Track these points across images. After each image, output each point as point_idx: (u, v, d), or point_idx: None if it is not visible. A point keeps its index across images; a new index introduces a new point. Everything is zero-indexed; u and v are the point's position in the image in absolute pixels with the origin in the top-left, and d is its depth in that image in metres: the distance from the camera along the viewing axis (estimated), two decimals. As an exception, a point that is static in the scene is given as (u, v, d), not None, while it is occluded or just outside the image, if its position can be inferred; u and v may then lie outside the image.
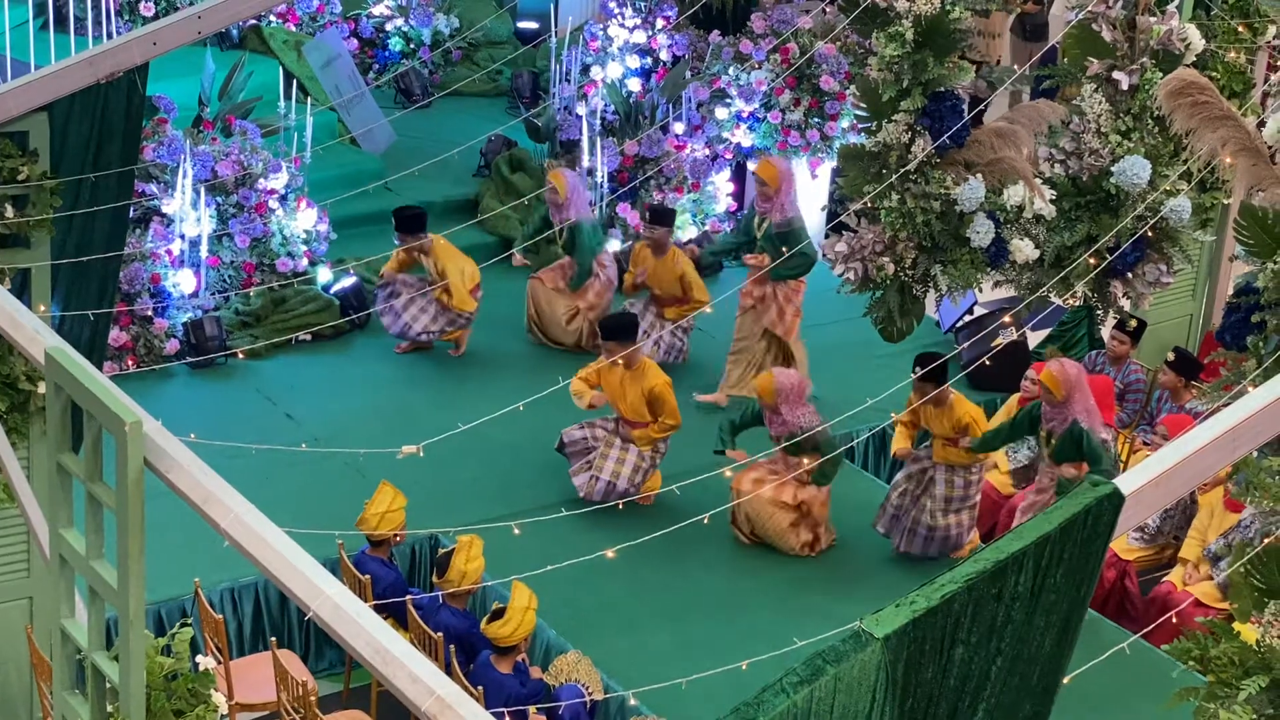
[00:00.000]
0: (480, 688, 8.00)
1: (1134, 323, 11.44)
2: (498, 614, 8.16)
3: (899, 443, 10.25)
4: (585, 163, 13.15)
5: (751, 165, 11.72)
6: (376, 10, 15.59)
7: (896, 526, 10.07)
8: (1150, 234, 8.84)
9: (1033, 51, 16.17)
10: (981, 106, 9.41)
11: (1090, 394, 9.55)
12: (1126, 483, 4.92)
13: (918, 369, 9.61)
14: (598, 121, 13.45)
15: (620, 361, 9.98)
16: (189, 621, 5.91)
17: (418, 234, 11.47)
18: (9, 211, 7.73)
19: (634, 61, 14.25)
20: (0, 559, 8.13)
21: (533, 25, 16.21)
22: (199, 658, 5.72)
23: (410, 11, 15.52)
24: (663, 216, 11.81)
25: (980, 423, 9.93)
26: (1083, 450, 9.40)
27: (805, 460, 9.78)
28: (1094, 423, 9.45)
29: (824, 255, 9.13)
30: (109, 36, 12.44)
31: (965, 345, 11.89)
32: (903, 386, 9.46)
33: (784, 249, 11.12)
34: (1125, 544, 10.42)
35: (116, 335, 11.03)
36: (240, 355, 11.35)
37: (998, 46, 16.37)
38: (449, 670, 8.15)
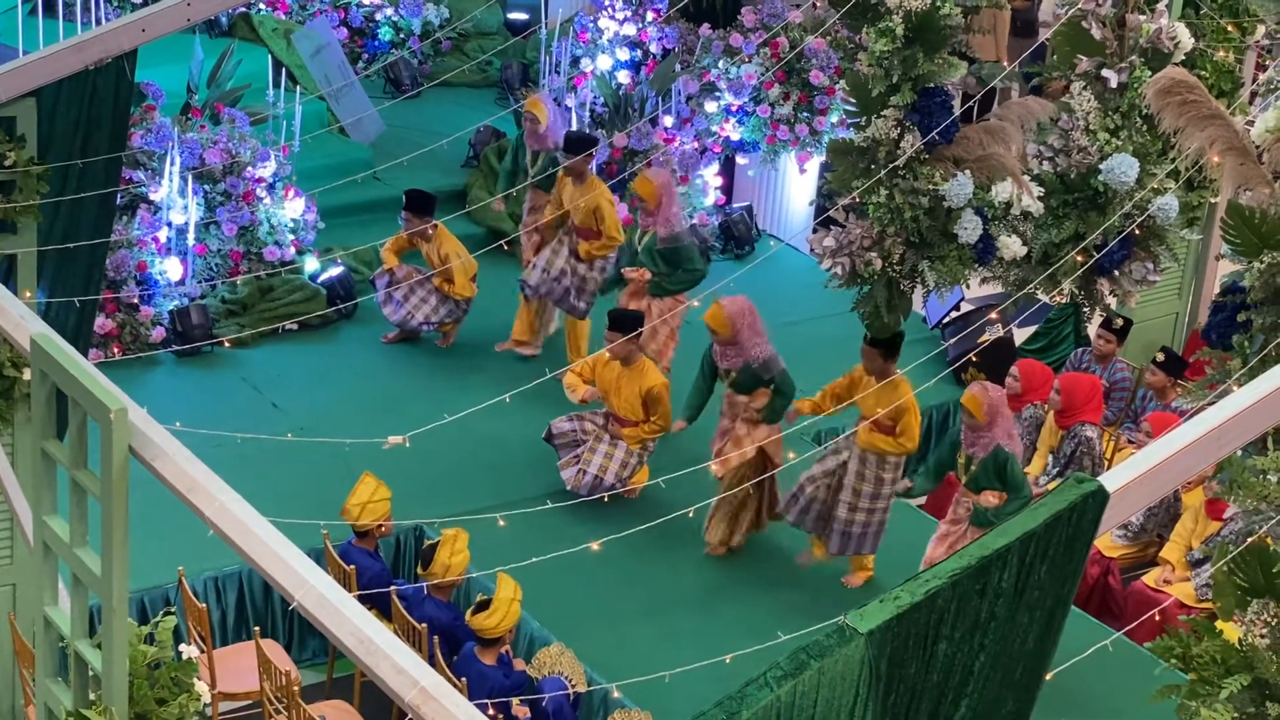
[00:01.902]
0: (464, 679, 8.01)
1: (1120, 321, 11.46)
2: (483, 605, 8.16)
3: (801, 404, 9.75)
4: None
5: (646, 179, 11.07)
6: (366, 0, 15.56)
7: (805, 519, 9.73)
8: (1137, 232, 8.86)
9: (1023, 48, 16.18)
10: (971, 104, 9.41)
11: (1012, 419, 9.22)
12: (1111, 480, 4.93)
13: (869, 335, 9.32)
14: (587, 113, 13.44)
15: (619, 354, 9.93)
16: (172, 610, 5.90)
17: (425, 217, 11.46)
18: (-5, 197, 7.72)
19: (624, 54, 14.24)
20: (-16, 545, 8.12)
21: (523, 16, 16.19)
22: (182, 646, 5.71)
23: (400, 1, 15.50)
24: (581, 144, 11.40)
25: (914, 414, 9.44)
26: (1005, 477, 9.00)
27: (756, 399, 9.66)
28: (1015, 449, 9.09)
29: (812, 250, 9.13)
30: (98, 23, 12.42)
31: (952, 341, 11.93)
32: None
33: (666, 265, 10.82)
34: (1109, 541, 10.45)
35: (102, 322, 11.01)
36: (226, 344, 11.34)
37: (989, 44, 16.36)
38: (433, 661, 8.15)
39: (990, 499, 8.98)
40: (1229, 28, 11.04)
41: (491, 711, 7.87)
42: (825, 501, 9.63)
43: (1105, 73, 8.72)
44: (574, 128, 13.13)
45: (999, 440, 8.97)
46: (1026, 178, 8.83)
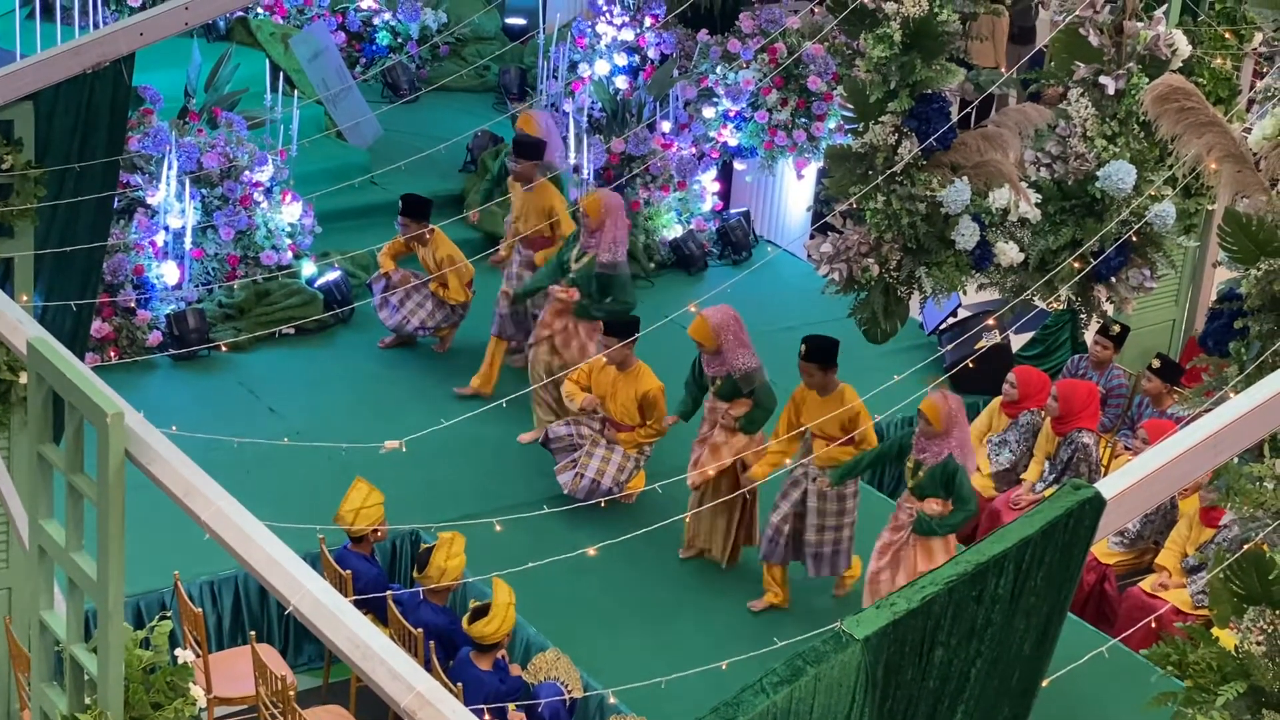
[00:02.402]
0: (460, 684, 8.00)
1: (1117, 328, 11.46)
2: (479, 612, 8.14)
3: (776, 459, 9.43)
4: (571, 159, 13.14)
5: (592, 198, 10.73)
6: (364, 4, 15.56)
7: (775, 551, 9.54)
8: (1134, 239, 8.86)
9: (1021, 55, 16.20)
10: (969, 110, 9.41)
11: (969, 432, 9.04)
12: (1108, 487, 4.93)
13: (804, 347, 9.22)
14: (585, 119, 13.44)
15: (614, 359, 9.93)
16: (168, 614, 5.89)
17: (422, 221, 11.44)
18: (-7, 201, 7.72)
19: (622, 59, 14.24)
20: (-21, 549, 8.11)
21: (521, 21, 16.19)
22: (178, 651, 5.70)
23: (398, 6, 15.50)
24: (528, 149, 11.21)
25: (867, 419, 9.24)
26: (952, 488, 8.84)
27: (736, 407, 9.62)
28: (967, 461, 8.93)
29: (809, 256, 9.13)
30: (95, 26, 12.41)
31: (949, 347, 11.93)
32: (886, 388, 9.43)
33: (600, 291, 10.55)
34: (1106, 548, 10.45)
35: (99, 326, 11.00)
36: (223, 348, 11.33)
37: (987, 50, 16.37)
38: (429, 666, 8.14)
39: (934, 506, 8.84)
40: (1226, 35, 11.06)
41: (488, 717, 7.86)
42: (792, 530, 9.53)
43: (1103, 79, 8.72)
44: (571, 134, 13.14)
45: (952, 450, 8.84)
46: (1024, 184, 8.83)
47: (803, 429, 9.30)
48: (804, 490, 9.44)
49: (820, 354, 9.20)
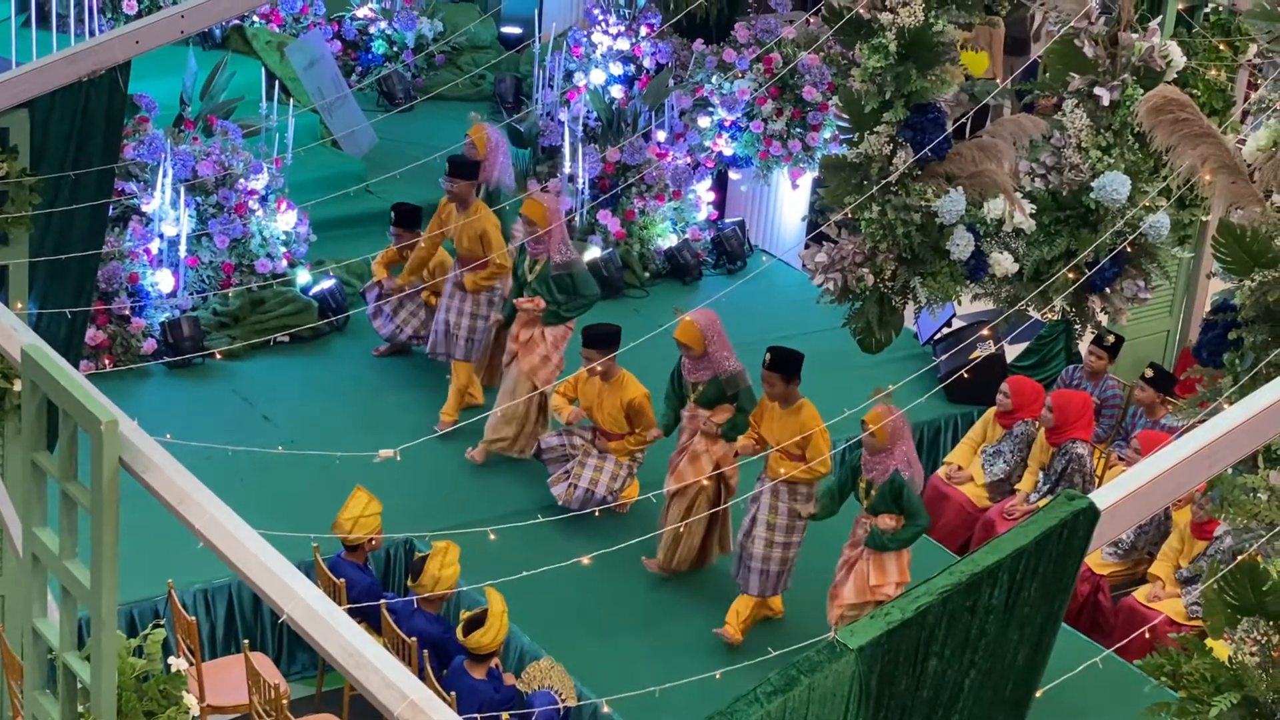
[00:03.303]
0: (454, 693, 7.99)
1: (1111, 338, 11.47)
2: (474, 622, 8.13)
3: (745, 444, 9.35)
4: (567, 169, 13.15)
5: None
6: (360, 13, 15.57)
7: (739, 565, 9.48)
8: (1129, 250, 8.87)
9: (1017, 66, 16.23)
10: (963, 120, 9.41)
11: (913, 445, 9.00)
12: (1102, 497, 4.94)
13: (768, 356, 9.16)
14: (580, 128, 13.45)
15: (598, 370, 9.93)
16: (162, 623, 5.89)
17: (414, 229, 11.44)
18: (-12, 208, 7.72)
19: (617, 68, 14.25)
20: (-27, 557, 8.10)
21: (516, 30, 16.20)
22: (171, 659, 5.70)
23: (394, 15, 15.51)
24: (463, 169, 10.98)
25: (823, 438, 9.14)
26: (900, 503, 8.82)
27: (718, 414, 9.56)
28: (914, 475, 8.88)
29: (804, 265, 9.14)
30: (91, 34, 12.41)
31: (943, 357, 11.94)
32: (881, 397, 9.45)
33: (561, 292, 10.45)
34: (1099, 559, 10.45)
35: (93, 334, 10.99)
36: (218, 356, 11.32)
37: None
38: (422, 675, 8.13)
39: (888, 521, 8.80)
40: (1221, 47, 11.08)
41: (481, 726, 7.86)
42: (740, 545, 9.44)
43: (1097, 90, 8.74)
44: (566, 143, 13.15)
45: (897, 465, 8.78)
46: (1019, 195, 8.84)
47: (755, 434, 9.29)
48: (758, 504, 9.34)
49: (784, 364, 9.16)
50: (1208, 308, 7.97)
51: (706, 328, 9.56)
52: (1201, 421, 5.40)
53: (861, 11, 8.57)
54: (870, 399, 8.74)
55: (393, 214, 11.54)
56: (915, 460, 8.98)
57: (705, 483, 9.60)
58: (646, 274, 13.32)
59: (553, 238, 10.45)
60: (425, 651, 8.34)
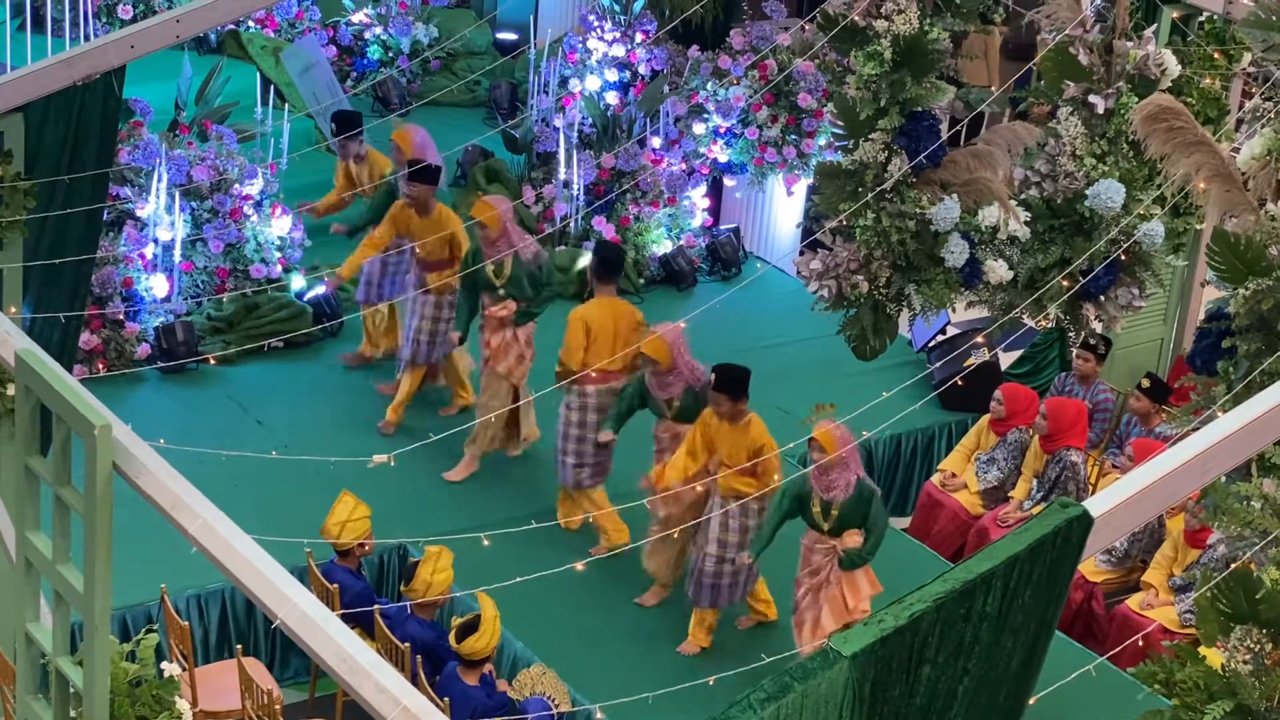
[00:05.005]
0: (447, 699, 7.99)
1: (1095, 340, 11.43)
2: (467, 629, 8.12)
3: (657, 476, 9.32)
4: (561, 175, 13.16)
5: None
6: (355, 18, 15.57)
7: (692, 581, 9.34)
8: (1123, 258, 8.88)
9: (1013, 73, 16.23)
10: (959, 128, 9.42)
11: (857, 452, 8.75)
12: (1096, 505, 4.94)
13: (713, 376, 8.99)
14: (575, 134, 13.45)
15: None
16: (154, 628, 5.88)
17: (358, 140, 11.32)
18: (-18, 212, 7.71)
19: (612, 75, 14.26)
20: (-35, 561, 8.08)
21: (512, 36, 16.21)
22: (164, 664, 5.70)
23: (389, 20, 15.51)
24: (426, 173, 10.73)
25: (773, 453, 9.01)
26: (866, 513, 8.62)
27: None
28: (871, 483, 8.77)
29: (798, 272, 9.14)
30: (86, 38, 12.41)
31: (937, 365, 11.95)
32: (875, 405, 9.45)
33: (533, 288, 10.36)
34: (1093, 566, 10.46)
35: (87, 339, 10.98)
36: (211, 361, 11.31)
37: (980, 69, 16.40)
38: (415, 681, 8.13)
39: (855, 538, 8.65)
40: (1216, 55, 11.08)
41: (474, 732, 7.86)
42: (693, 561, 9.31)
43: (1092, 98, 8.75)
44: (561, 149, 13.15)
45: (859, 474, 8.64)
46: (1013, 202, 8.85)
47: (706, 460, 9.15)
48: (710, 520, 9.19)
49: (729, 384, 8.98)
50: (1202, 316, 7.97)
51: (675, 342, 9.43)
52: (1195, 429, 5.40)
53: (857, 19, 8.58)
54: (811, 417, 8.56)
55: (333, 124, 11.46)
56: (862, 469, 8.84)
57: (698, 489, 9.51)
58: (641, 280, 13.32)
59: (512, 239, 10.32)
60: (418, 657, 8.33)
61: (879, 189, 8.62)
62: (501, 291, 10.43)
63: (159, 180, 11.53)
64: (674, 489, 9.26)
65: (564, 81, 14.16)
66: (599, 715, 8.09)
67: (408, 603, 8.61)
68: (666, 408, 9.64)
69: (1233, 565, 5.48)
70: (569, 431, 9.98)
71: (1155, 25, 9.68)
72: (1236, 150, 7.30)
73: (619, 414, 9.83)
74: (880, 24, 8.48)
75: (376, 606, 8.59)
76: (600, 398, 9.92)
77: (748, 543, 9.14)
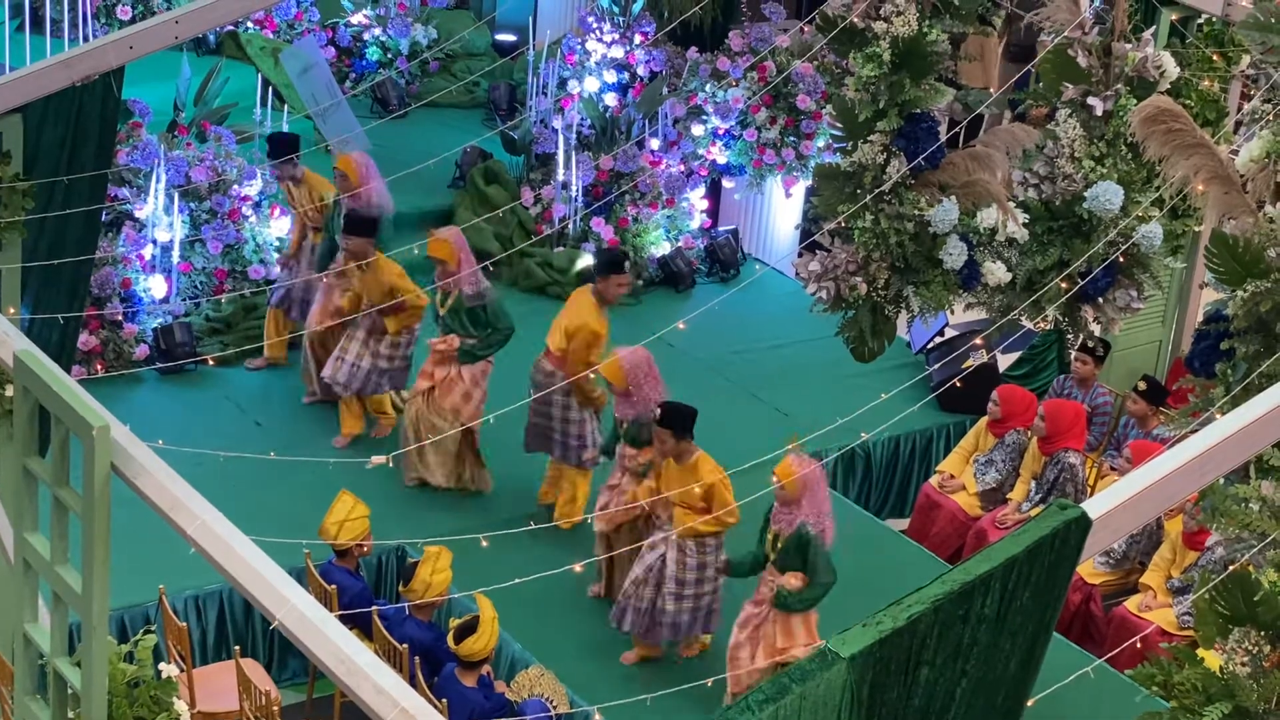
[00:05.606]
0: (445, 700, 7.98)
1: (1094, 343, 11.43)
2: (465, 630, 8.12)
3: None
4: (560, 176, 13.16)
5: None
6: (354, 19, 15.58)
7: (625, 619, 9.13)
8: (1122, 260, 8.88)
9: (1012, 75, 16.24)
10: (957, 130, 9.43)
11: (826, 499, 8.55)
12: (1094, 507, 4.94)
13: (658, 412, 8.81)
14: (574, 135, 13.46)
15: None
16: (153, 628, 5.89)
17: (292, 164, 11.23)
18: (-19, 213, 7.71)
19: (611, 76, 14.26)
20: (-37, 562, 8.08)
21: (511, 38, 16.21)
22: (162, 665, 5.70)
23: (388, 21, 15.51)
24: (363, 225, 10.54)
25: (725, 489, 8.79)
26: (806, 558, 8.39)
27: (644, 454, 9.27)
28: (825, 529, 8.46)
29: (797, 274, 9.14)
30: (85, 39, 12.41)
31: (936, 366, 11.95)
32: (873, 407, 9.44)
33: (476, 326, 10.21)
34: (1091, 568, 10.46)
35: (86, 339, 10.98)
36: (210, 362, 11.31)
37: (978, 70, 16.41)
38: (414, 682, 8.12)
39: (793, 581, 8.45)
40: (1214, 57, 11.10)
41: (472, 733, 7.85)
42: (649, 600, 9.07)
43: (1091, 100, 8.75)
44: (560, 151, 13.15)
45: (806, 517, 8.40)
46: (1012, 204, 8.85)
47: (660, 495, 8.98)
48: (661, 556, 9.02)
49: (674, 420, 8.79)
50: (1200, 318, 7.98)
51: (632, 367, 9.25)
52: (1194, 431, 5.40)
53: (855, 21, 8.59)
54: (785, 448, 8.42)
55: (268, 145, 11.41)
56: (827, 513, 8.54)
57: (639, 508, 9.30)
58: (639, 282, 13.32)
59: (463, 270, 10.13)
60: (416, 658, 8.33)
61: (877, 191, 8.62)
62: (444, 323, 10.28)
63: (157, 181, 11.53)
64: (611, 510, 9.27)
65: (563, 83, 14.16)
66: (597, 717, 8.09)
67: (406, 604, 8.61)
68: (618, 426, 9.54)
69: (1231, 567, 5.48)
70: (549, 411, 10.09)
71: (1154, 27, 9.69)
72: (1235, 152, 7.30)
73: (605, 445, 9.84)
74: (879, 26, 8.49)
75: (375, 607, 8.59)
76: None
77: (707, 578, 9.00)
